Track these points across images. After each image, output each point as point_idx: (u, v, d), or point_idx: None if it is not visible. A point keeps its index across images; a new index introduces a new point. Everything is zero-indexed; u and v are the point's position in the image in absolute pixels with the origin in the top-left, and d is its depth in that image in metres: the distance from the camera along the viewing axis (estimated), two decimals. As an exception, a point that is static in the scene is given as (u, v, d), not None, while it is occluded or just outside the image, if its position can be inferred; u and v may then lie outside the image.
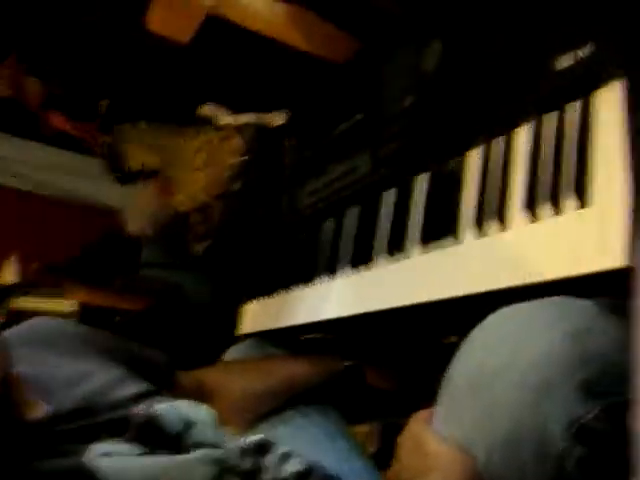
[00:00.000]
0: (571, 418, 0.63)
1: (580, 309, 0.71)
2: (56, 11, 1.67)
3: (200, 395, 1.12)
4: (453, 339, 1.18)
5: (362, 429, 1.36)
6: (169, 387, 1.02)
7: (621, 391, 0.64)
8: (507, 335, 0.70)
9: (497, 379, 0.68)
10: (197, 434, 0.81)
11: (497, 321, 0.73)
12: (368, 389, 1.26)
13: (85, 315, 1.90)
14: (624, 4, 0.76)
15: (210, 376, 1.20)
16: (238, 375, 1.23)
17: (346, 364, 1.23)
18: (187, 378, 1.12)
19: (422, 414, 0.80)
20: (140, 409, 0.81)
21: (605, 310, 0.70)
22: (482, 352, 0.71)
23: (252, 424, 1.18)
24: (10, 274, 2.09)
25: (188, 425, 0.81)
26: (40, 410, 0.76)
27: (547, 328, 0.68)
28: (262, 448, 0.83)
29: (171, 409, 0.82)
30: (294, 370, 1.24)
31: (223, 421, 0.96)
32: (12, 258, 2.10)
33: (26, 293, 1.96)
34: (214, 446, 0.81)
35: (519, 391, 0.66)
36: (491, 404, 0.67)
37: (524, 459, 0.65)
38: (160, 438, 0.79)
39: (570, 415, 0.64)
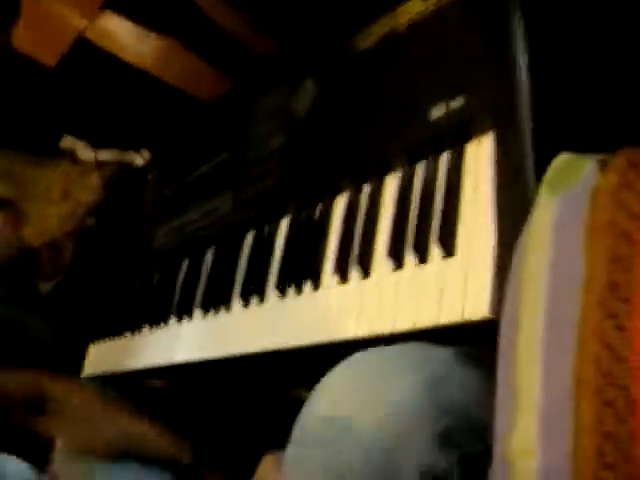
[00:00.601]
0: (423, 468, 0.62)
1: (438, 356, 0.70)
2: None
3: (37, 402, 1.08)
4: (303, 393, 1.15)
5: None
6: None
7: (475, 442, 0.63)
8: (363, 379, 0.68)
9: (351, 424, 0.65)
10: None
11: (354, 364, 0.71)
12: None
13: None
14: (496, 57, 0.77)
15: (59, 393, 1.16)
16: (91, 405, 1.18)
17: (187, 462, 1.17)
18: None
19: (270, 459, 0.77)
20: None
21: (464, 358, 0.70)
22: (336, 395, 0.69)
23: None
24: None
25: None
26: None
27: (405, 375, 0.66)
28: None
29: None
30: (137, 434, 1.18)
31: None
32: None
33: None
34: None
35: (373, 438, 0.63)
36: (342, 451, 0.64)
37: None
38: None
39: (422, 465, 0.62)
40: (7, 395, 1.15)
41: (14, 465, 0.77)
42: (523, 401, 0.50)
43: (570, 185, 0.57)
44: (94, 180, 1.82)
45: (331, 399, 0.68)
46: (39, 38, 1.37)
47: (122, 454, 1.18)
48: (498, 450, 0.52)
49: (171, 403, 1.33)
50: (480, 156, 0.78)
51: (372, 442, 0.63)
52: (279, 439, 0.75)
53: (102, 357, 1.41)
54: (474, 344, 0.72)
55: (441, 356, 0.70)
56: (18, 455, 1.08)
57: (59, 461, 1.24)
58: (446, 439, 0.63)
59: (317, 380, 0.74)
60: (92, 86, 1.58)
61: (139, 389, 1.35)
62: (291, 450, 0.71)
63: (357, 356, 0.71)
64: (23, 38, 1.37)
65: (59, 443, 1.25)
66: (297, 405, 0.73)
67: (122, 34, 1.33)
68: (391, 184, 0.89)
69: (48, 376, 1.22)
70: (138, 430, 1.19)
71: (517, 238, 0.60)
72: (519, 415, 0.50)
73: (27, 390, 1.17)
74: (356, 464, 0.63)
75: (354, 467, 0.63)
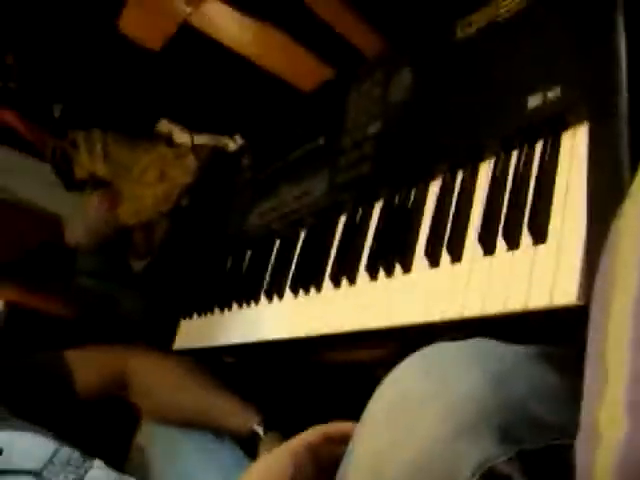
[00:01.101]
0: (482, 460, 0.62)
1: (507, 352, 0.71)
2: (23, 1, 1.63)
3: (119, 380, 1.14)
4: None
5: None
6: None
7: (535, 438, 0.64)
8: (433, 370, 0.69)
9: (417, 410, 0.66)
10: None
11: (424, 355, 0.72)
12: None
13: (13, 316, 1.84)
14: (595, 48, 0.78)
15: (138, 367, 1.23)
16: (167, 382, 1.23)
17: (252, 430, 1.19)
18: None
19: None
20: None
21: (533, 356, 0.70)
22: (406, 383, 0.70)
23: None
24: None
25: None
26: None
27: (472, 367, 0.67)
28: None
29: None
30: (213, 407, 1.23)
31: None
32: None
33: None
34: None
35: (437, 424, 0.64)
36: (407, 433, 0.66)
37: None
38: None
39: (481, 457, 0.62)
40: (93, 374, 1.21)
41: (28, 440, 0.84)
42: (612, 373, 0.51)
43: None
44: (190, 162, 1.86)
45: (401, 386, 0.70)
46: (146, 23, 1.42)
47: (199, 425, 1.24)
48: (586, 420, 0.53)
49: (252, 379, 1.37)
50: (575, 146, 0.79)
51: (437, 431, 0.64)
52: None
53: (192, 333, 1.45)
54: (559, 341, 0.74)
55: (509, 352, 0.70)
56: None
57: (143, 432, 1.29)
58: (507, 433, 0.63)
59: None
60: (191, 71, 1.62)
61: (223, 365, 1.39)
62: (359, 429, 0.73)
63: (427, 348, 0.72)
64: (130, 22, 1.42)
65: (144, 415, 1.31)
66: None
67: (225, 21, 1.37)
68: (484, 171, 0.90)
69: (127, 350, 1.27)
70: (212, 402, 1.23)
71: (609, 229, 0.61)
72: (608, 387, 0.51)
73: (109, 367, 1.22)
74: (421, 450, 0.64)
75: (419, 452, 0.64)
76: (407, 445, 0.65)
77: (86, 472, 0.84)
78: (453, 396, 0.65)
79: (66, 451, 0.86)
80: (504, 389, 0.65)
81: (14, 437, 0.84)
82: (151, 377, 1.25)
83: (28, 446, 0.84)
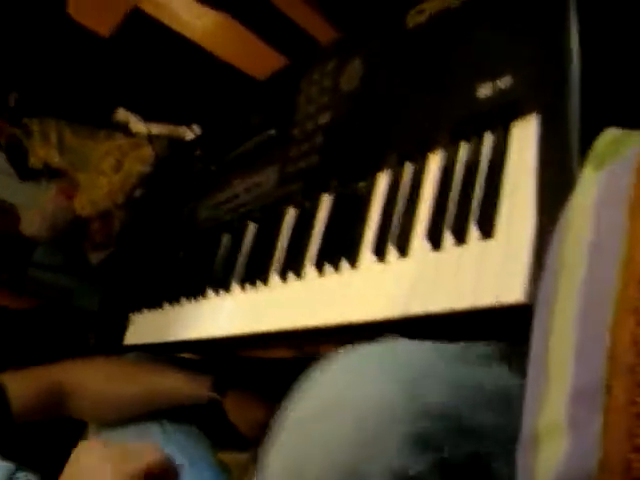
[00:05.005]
0: (395, 471, 0.58)
1: (422, 354, 0.66)
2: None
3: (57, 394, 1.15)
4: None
5: (242, 457, 1.31)
6: None
7: (457, 447, 0.60)
8: (341, 378, 0.65)
9: (327, 420, 0.62)
10: None
11: (335, 363, 0.67)
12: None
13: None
14: (546, 38, 0.76)
15: (71, 374, 1.23)
16: (101, 376, 1.21)
17: (209, 396, 1.19)
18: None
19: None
20: None
21: (452, 356, 0.67)
22: (316, 392, 0.66)
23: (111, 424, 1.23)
24: None
25: None
26: None
27: (382, 374, 0.63)
28: None
29: None
30: (159, 384, 1.22)
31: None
32: None
33: None
34: None
35: (347, 435, 0.60)
36: (317, 446, 0.62)
37: None
38: None
39: (394, 467, 0.58)
40: (29, 395, 1.19)
41: None
42: (554, 378, 0.49)
43: (615, 161, 0.55)
44: (146, 152, 1.83)
45: (312, 396, 0.66)
46: (95, 8, 1.38)
47: (149, 410, 1.24)
48: (527, 428, 0.51)
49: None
50: (525, 137, 0.76)
51: (348, 442, 0.60)
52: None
53: (142, 328, 1.42)
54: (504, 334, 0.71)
55: (427, 353, 0.66)
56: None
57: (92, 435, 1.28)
58: (423, 441, 0.59)
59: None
60: (145, 59, 1.59)
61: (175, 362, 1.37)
62: (272, 441, 0.68)
63: (338, 355, 0.68)
64: (78, 7, 1.38)
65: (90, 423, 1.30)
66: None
67: (178, 7, 1.33)
68: (434, 162, 0.87)
69: (56, 367, 1.25)
70: (161, 381, 1.24)
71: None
72: (550, 392, 0.49)
73: (44, 386, 1.21)
74: (332, 463, 0.60)
75: (331, 464, 0.60)
76: (319, 458, 0.61)
77: None
78: (362, 405, 0.61)
79: (24, 474, 0.84)
80: (418, 395, 0.61)
81: None
82: (92, 381, 1.23)
83: None
